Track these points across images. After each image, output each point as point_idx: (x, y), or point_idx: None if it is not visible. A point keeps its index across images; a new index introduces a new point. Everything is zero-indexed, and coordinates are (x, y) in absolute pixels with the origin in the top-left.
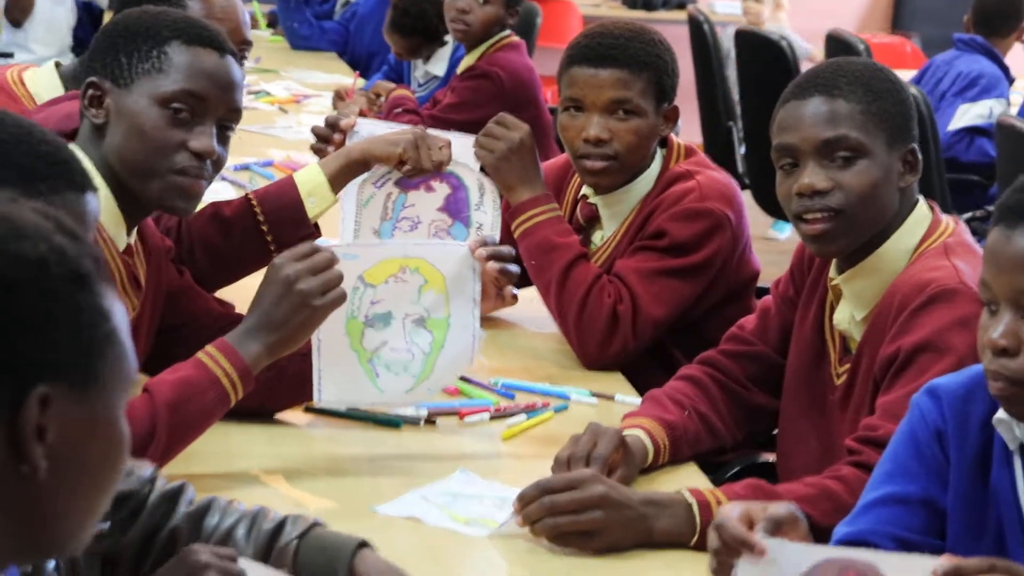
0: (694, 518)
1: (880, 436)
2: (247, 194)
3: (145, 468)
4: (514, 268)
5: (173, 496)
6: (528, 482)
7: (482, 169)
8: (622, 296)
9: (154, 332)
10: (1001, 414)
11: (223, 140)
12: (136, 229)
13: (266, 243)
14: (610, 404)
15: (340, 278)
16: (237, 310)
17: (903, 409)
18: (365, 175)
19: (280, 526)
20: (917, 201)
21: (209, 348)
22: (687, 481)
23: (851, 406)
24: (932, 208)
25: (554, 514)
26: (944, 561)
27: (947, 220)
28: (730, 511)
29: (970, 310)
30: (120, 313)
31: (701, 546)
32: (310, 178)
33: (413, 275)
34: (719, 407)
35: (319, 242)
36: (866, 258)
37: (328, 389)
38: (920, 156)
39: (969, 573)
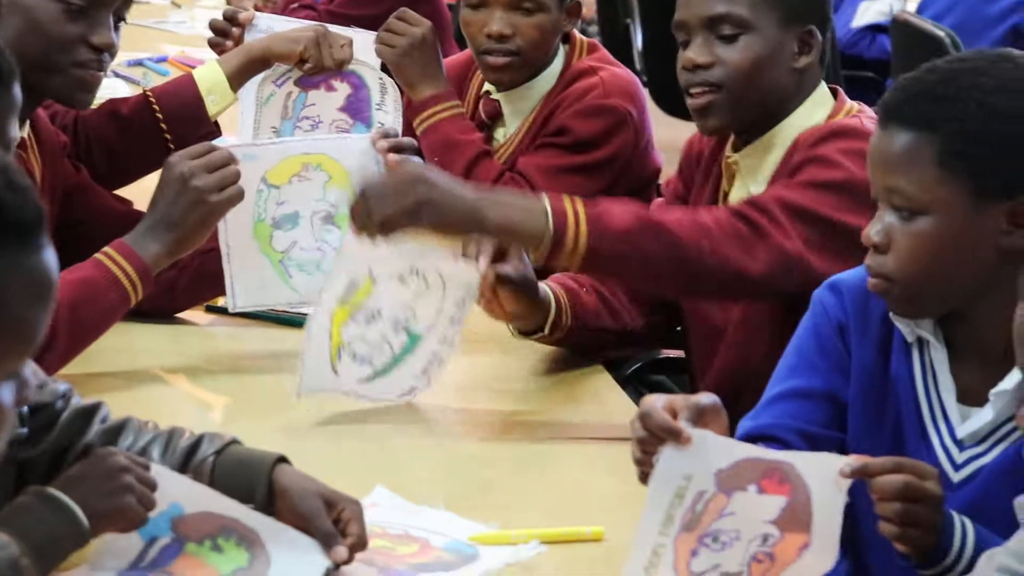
0: (546, 218)
1: (756, 198)
2: (145, 91)
3: (60, 383)
4: (416, 159)
5: (87, 413)
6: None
7: (384, 68)
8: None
9: (51, 230)
10: None
11: (115, 29)
12: (29, 124)
13: (165, 141)
14: None
15: (237, 175)
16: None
17: (783, 195)
18: (265, 73)
19: (196, 444)
20: (819, 84)
21: (108, 249)
22: (596, 384)
23: None
24: (836, 91)
25: (380, 205)
26: (852, 460)
27: (852, 103)
28: (654, 401)
29: None
30: (16, 288)
31: (553, 254)
32: (210, 75)
33: (316, 172)
34: (615, 290)
35: (217, 142)
36: (762, 135)
37: (241, 295)
38: (820, 38)
39: (876, 471)
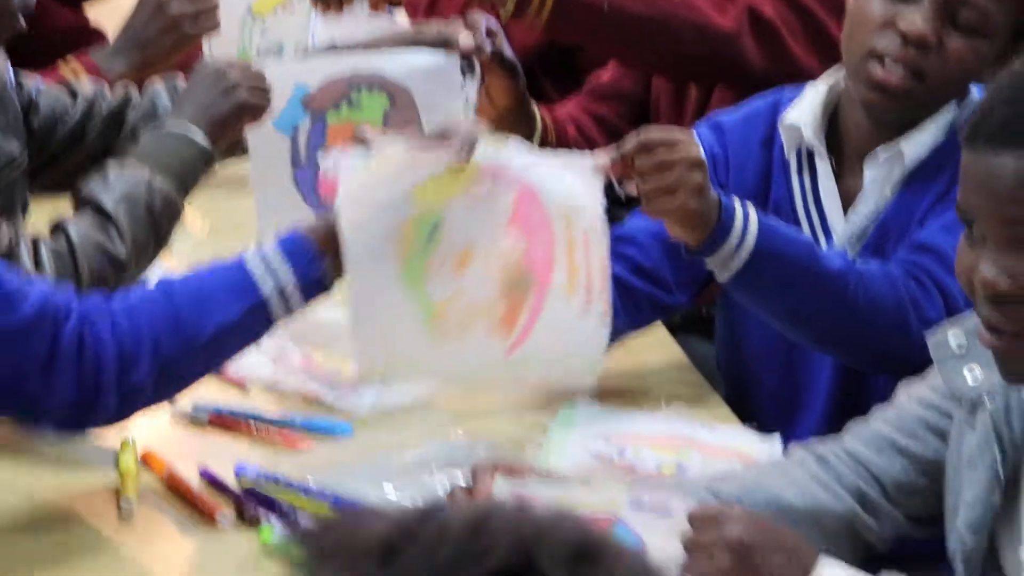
0: None
1: None
2: None
3: (85, 86)
4: None
5: (119, 112)
6: None
7: None
8: None
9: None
10: (791, 118)
11: None
12: None
13: None
14: None
15: (214, 7)
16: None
17: None
18: None
19: None
20: None
21: (72, 60)
22: None
23: (711, 106)
24: None
25: None
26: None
27: None
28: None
29: None
30: None
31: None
32: None
33: (300, 2)
34: (596, 128)
35: None
36: None
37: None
38: None
39: (628, 149)
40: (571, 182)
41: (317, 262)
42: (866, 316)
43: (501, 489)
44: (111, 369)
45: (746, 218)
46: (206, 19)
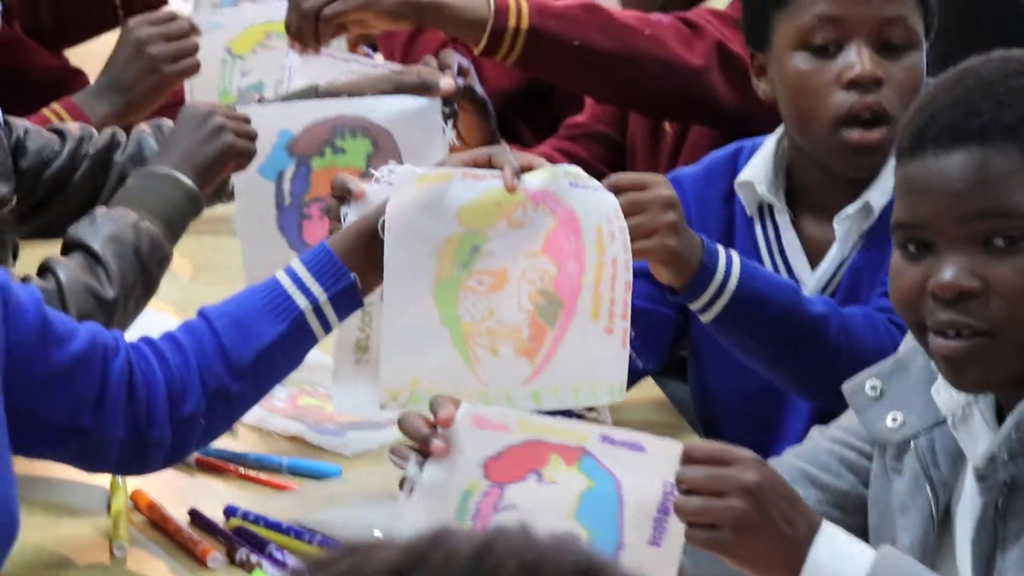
0: (487, 1)
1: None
2: None
3: (73, 129)
4: None
5: (106, 153)
6: None
7: None
8: None
9: None
10: (744, 176)
11: None
12: None
13: (114, 6)
14: None
15: (194, 47)
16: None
17: (726, 12)
18: None
19: None
20: None
21: (55, 105)
22: None
23: (686, 146)
24: None
25: None
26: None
27: None
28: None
29: None
30: None
31: (494, 42)
32: None
33: (279, 40)
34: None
35: (176, 8)
36: None
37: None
38: None
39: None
40: (609, 207)
41: (345, 275)
42: (848, 361)
43: (464, 414)
44: (162, 402)
45: (729, 259)
46: (186, 60)
